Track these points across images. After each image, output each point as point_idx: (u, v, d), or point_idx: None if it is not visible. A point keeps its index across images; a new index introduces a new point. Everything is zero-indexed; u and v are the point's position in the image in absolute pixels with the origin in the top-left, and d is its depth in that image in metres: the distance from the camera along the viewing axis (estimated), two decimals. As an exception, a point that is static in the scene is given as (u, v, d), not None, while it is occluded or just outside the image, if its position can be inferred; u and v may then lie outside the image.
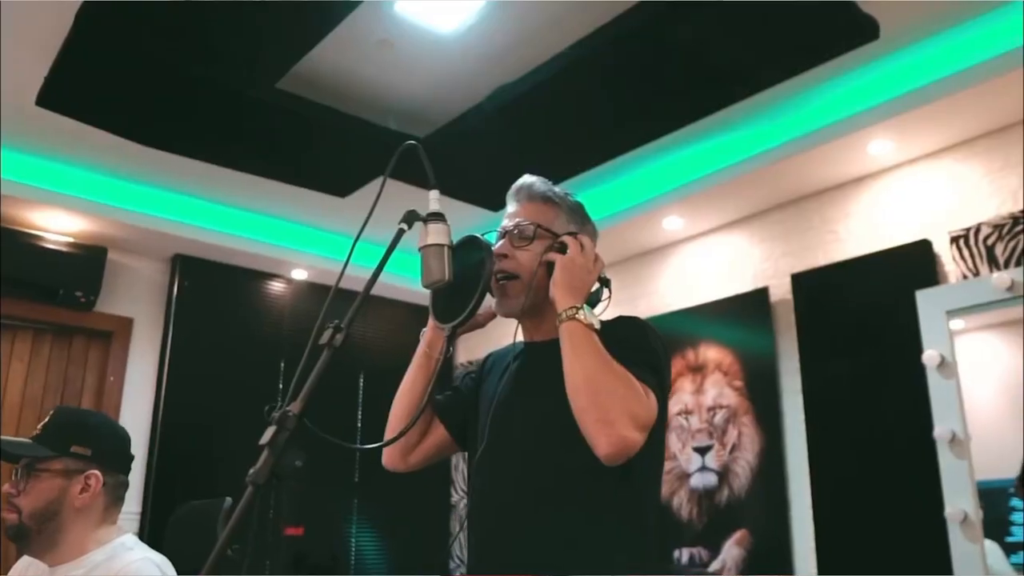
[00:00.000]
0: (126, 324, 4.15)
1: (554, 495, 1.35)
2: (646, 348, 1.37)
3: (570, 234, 1.46)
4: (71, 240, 3.94)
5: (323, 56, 2.86)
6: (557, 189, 1.53)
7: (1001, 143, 2.99)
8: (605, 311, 1.44)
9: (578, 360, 1.28)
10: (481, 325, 1.51)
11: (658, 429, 1.33)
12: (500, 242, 1.49)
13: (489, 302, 1.48)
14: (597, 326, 1.32)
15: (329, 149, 3.41)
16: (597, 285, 1.46)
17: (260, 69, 2.85)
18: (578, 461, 1.26)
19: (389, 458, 1.53)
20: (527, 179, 1.54)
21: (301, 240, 4.42)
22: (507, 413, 1.45)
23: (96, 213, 3.79)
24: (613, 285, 1.53)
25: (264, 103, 2.99)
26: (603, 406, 1.22)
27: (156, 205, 3.96)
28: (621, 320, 1.44)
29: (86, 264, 3.94)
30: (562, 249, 1.42)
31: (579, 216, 1.53)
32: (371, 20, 2.69)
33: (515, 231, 1.48)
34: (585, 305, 1.34)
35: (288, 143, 3.36)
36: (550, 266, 1.41)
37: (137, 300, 4.21)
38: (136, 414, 4.01)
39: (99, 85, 2.94)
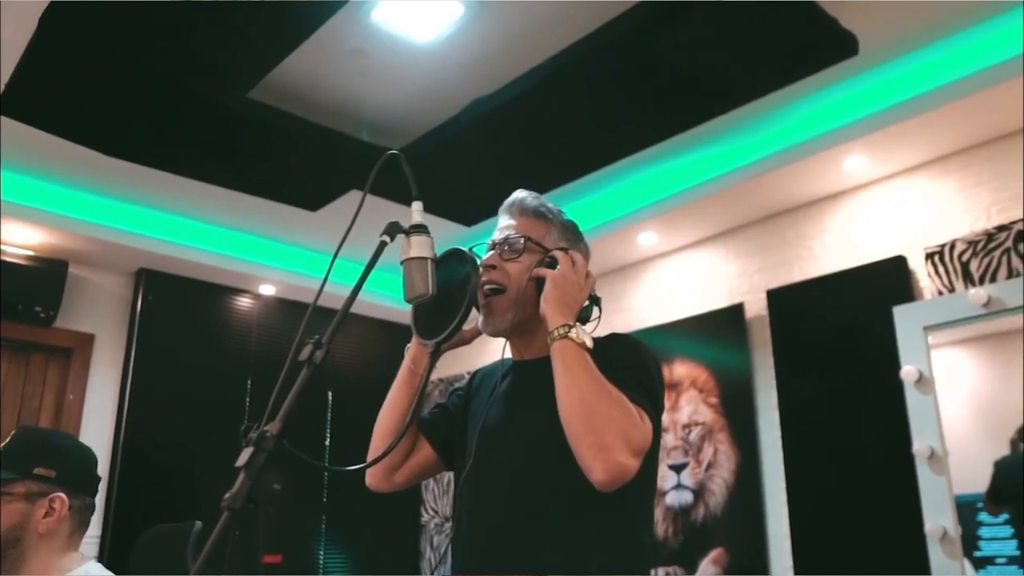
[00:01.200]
0: (87, 340, 4.03)
1: (545, 515, 1.31)
2: (640, 368, 1.34)
3: (561, 250, 1.42)
4: (30, 253, 3.82)
5: (296, 66, 2.80)
6: (551, 205, 1.50)
7: (974, 160, 3.02)
8: (595, 330, 1.40)
9: (572, 381, 1.23)
10: (467, 341, 1.47)
11: (652, 451, 1.29)
12: (489, 253, 1.45)
13: (474, 317, 1.44)
14: (590, 345, 1.28)
15: (301, 161, 3.34)
16: (587, 303, 1.42)
17: (232, 78, 2.78)
18: (570, 482, 1.23)
19: (373, 478, 1.48)
20: (520, 193, 1.51)
21: (269, 255, 4.34)
22: (497, 432, 1.41)
23: (57, 225, 3.68)
24: None
25: (235, 113, 2.92)
26: (598, 431, 1.18)
27: (119, 217, 3.85)
28: (614, 338, 1.40)
29: (46, 278, 3.82)
30: (552, 264, 1.38)
31: (571, 234, 1.50)
32: (346, 29, 2.64)
33: (504, 244, 1.44)
34: (577, 323, 1.30)
35: (259, 155, 3.29)
36: (539, 282, 1.37)
37: (99, 315, 4.10)
38: (97, 433, 3.88)
39: (63, 93, 2.85)
